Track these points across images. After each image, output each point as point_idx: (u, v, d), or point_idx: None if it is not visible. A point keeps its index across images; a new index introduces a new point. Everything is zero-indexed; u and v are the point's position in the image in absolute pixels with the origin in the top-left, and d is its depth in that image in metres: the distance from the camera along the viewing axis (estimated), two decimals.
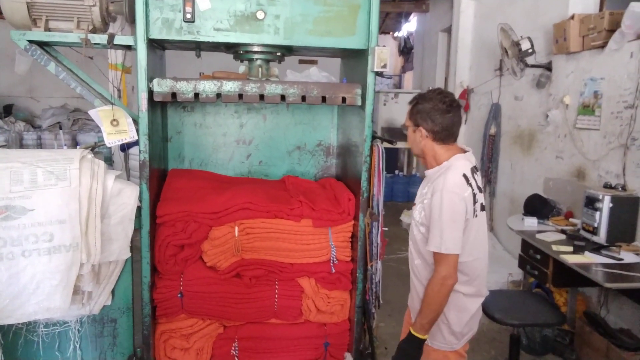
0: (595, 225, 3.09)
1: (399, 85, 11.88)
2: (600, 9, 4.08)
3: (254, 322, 2.88)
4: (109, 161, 6.18)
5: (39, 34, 2.50)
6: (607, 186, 3.31)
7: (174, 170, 3.22)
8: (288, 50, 2.94)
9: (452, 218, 1.92)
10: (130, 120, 2.62)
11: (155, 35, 2.55)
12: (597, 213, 3.08)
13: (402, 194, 8.27)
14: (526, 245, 3.40)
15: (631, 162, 3.38)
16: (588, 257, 2.90)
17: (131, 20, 2.58)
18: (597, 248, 3.01)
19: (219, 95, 2.64)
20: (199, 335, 2.85)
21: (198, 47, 2.93)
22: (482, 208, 2.07)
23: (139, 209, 2.59)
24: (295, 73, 3.16)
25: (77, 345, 2.68)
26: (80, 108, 9.05)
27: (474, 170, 2.06)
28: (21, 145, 7.37)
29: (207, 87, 2.62)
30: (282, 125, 3.40)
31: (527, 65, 4.48)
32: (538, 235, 3.32)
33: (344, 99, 2.75)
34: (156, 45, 2.84)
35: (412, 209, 2.21)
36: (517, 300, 2.96)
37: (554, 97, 4.36)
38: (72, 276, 2.30)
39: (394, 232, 5.57)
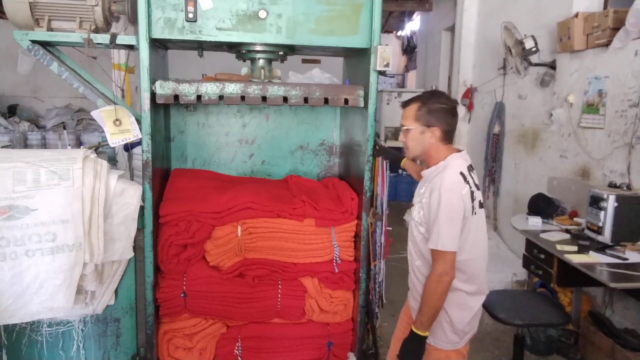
0: (600, 224, 3.07)
1: (402, 85, 11.86)
2: (605, 7, 4.06)
3: (257, 322, 2.88)
4: (113, 161, 6.19)
5: (41, 34, 2.51)
6: (612, 185, 3.29)
7: (176, 170, 3.22)
8: (290, 49, 2.93)
9: (449, 216, 1.93)
10: (133, 119, 2.62)
11: (157, 34, 2.55)
12: (602, 212, 3.05)
13: (406, 193, 8.25)
14: (530, 245, 3.38)
15: (636, 161, 3.36)
16: (593, 257, 2.89)
17: (133, 19, 2.58)
18: (601, 247, 2.99)
19: (221, 97, 2.64)
20: (202, 334, 2.85)
21: (200, 46, 2.93)
22: (481, 205, 2.08)
23: (141, 208, 2.59)
24: (297, 74, 3.15)
25: (81, 345, 2.69)
26: (84, 108, 9.08)
27: (470, 168, 2.07)
28: (25, 145, 7.39)
29: (210, 89, 2.62)
30: (285, 124, 3.40)
31: (530, 64, 4.46)
32: (542, 235, 3.30)
33: (346, 101, 2.74)
34: (159, 45, 2.84)
35: (410, 210, 2.22)
36: (521, 300, 2.94)
37: (558, 96, 4.34)
38: (75, 276, 2.30)
39: (398, 232, 5.55)
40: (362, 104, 2.76)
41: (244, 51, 2.87)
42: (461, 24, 6.40)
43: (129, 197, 2.51)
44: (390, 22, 10.90)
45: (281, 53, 2.92)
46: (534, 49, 4.30)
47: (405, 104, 2.14)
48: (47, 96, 9.27)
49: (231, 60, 3.24)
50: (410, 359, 2.03)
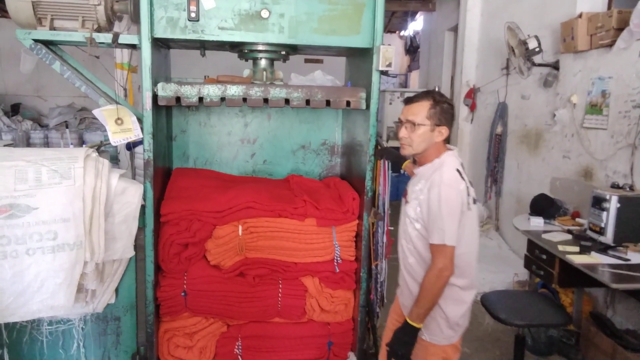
0: (602, 225, 3.06)
1: (404, 85, 11.85)
2: (609, 7, 4.04)
3: (257, 321, 2.88)
4: (115, 160, 6.21)
5: (44, 33, 2.51)
6: (615, 186, 3.28)
7: (178, 169, 3.22)
8: (293, 49, 2.93)
9: (450, 211, 1.98)
10: (134, 118, 2.62)
11: (159, 34, 2.55)
12: (604, 213, 3.04)
13: None
14: (532, 245, 3.37)
15: (639, 162, 3.35)
16: (594, 258, 2.88)
17: (136, 19, 2.58)
18: (603, 248, 2.98)
19: (223, 99, 2.64)
20: (203, 333, 2.85)
21: (203, 46, 2.93)
22: (474, 201, 2.12)
23: (142, 207, 2.60)
24: (299, 76, 3.15)
25: (81, 343, 2.70)
26: (87, 107, 9.10)
27: (462, 166, 2.13)
28: (28, 144, 7.41)
29: (212, 91, 2.62)
30: (287, 124, 3.40)
31: (534, 64, 4.45)
32: (544, 235, 3.29)
33: (348, 103, 2.75)
34: (161, 44, 2.84)
35: (404, 207, 2.24)
36: (522, 300, 2.93)
37: (561, 97, 4.33)
38: (76, 274, 2.31)
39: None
40: (364, 106, 2.76)
41: (246, 51, 2.87)
42: (464, 24, 6.39)
43: (130, 196, 2.51)
44: (393, 22, 10.89)
45: (283, 53, 2.92)
46: (537, 49, 4.28)
47: (412, 100, 2.13)
48: (50, 95, 9.30)
49: (234, 60, 3.24)
50: (402, 349, 2.05)
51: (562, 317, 2.72)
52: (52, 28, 2.55)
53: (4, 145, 6.02)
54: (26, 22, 2.53)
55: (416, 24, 10.61)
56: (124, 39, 2.56)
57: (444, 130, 2.09)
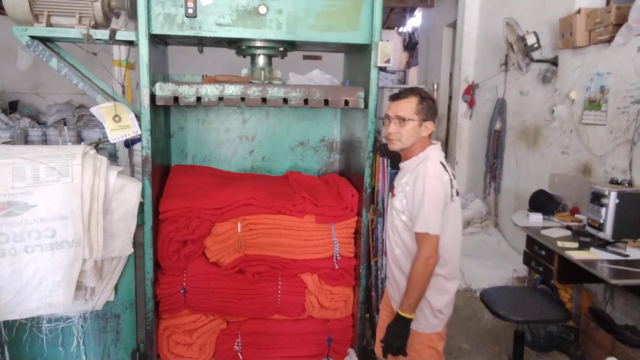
0: (601, 221, 3.06)
1: (403, 81, 11.82)
2: (607, 3, 4.03)
3: (257, 318, 2.88)
4: (114, 157, 6.19)
5: (40, 30, 2.50)
6: (614, 182, 3.28)
7: (176, 166, 3.21)
8: (291, 45, 2.92)
9: (434, 201, 2.06)
10: (132, 115, 2.62)
11: (157, 30, 2.54)
12: (603, 209, 3.04)
13: None
14: (531, 242, 3.37)
15: (638, 158, 3.35)
16: (594, 254, 2.88)
17: (133, 15, 2.57)
18: (602, 244, 2.98)
19: (221, 98, 2.64)
20: (202, 330, 2.85)
21: (200, 42, 2.92)
22: (457, 193, 2.20)
23: (141, 204, 2.59)
24: (297, 75, 3.14)
25: (81, 341, 2.70)
26: (85, 104, 9.06)
27: (445, 159, 2.22)
28: (26, 141, 7.39)
29: (209, 91, 2.61)
30: (285, 121, 3.39)
31: (532, 60, 4.44)
32: (543, 232, 3.29)
33: (346, 102, 2.75)
34: (158, 41, 2.83)
35: (390, 201, 2.31)
36: (521, 296, 2.94)
37: (559, 92, 4.32)
38: (75, 272, 2.30)
39: None
40: (362, 106, 2.76)
41: (244, 47, 2.86)
42: (463, 20, 6.38)
43: (128, 194, 2.50)
44: (392, 18, 10.85)
45: (281, 49, 2.91)
46: (535, 45, 4.27)
47: (398, 97, 2.21)
48: (48, 92, 9.26)
49: (232, 57, 3.23)
50: (397, 341, 2.11)
51: (561, 313, 2.72)
52: (49, 25, 2.53)
53: (2, 143, 6.01)
54: (23, 19, 2.51)
55: (415, 20, 10.58)
56: (121, 35, 2.54)
57: (429, 125, 2.18)
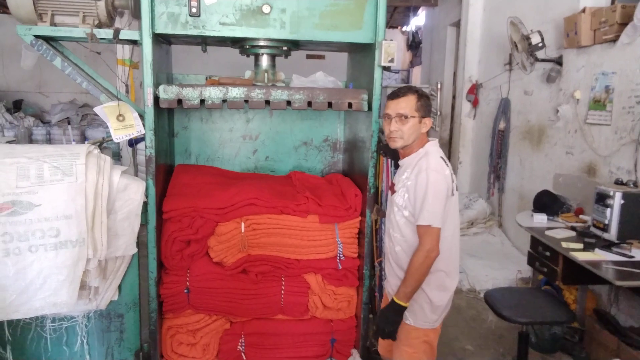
0: (606, 222, 3.05)
1: (406, 80, 11.80)
2: (612, 2, 4.01)
3: (260, 318, 2.88)
4: (117, 156, 6.20)
5: (44, 29, 2.50)
6: (619, 182, 3.26)
7: (180, 166, 3.21)
8: (294, 44, 2.92)
9: (436, 194, 2.09)
10: (136, 114, 2.62)
11: (160, 29, 2.54)
12: (608, 210, 3.03)
13: None
14: (535, 242, 3.36)
15: None
16: (598, 255, 2.86)
17: (137, 14, 2.57)
18: (607, 245, 2.97)
19: (224, 101, 2.64)
20: (206, 330, 2.85)
21: (204, 41, 2.91)
22: (456, 188, 2.24)
23: (145, 204, 2.59)
24: (301, 78, 3.13)
25: (85, 340, 2.70)
26: (89, 104, 9.08)
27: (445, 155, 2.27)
28: (30, 140, 7.41)
29: (213, 94, 2.61)
30: (289, 120, 3.38)
31: (537, 60, 4.42)
32: (547, 232, 3.28)
33: (350, 105, 2.75)
34: (162, 40, 2.83)
35: (390, 198, 2.34)
36: (525, 297, 2.93)
37: (564, 92, 4.30)
38: (79, 271, 2.30)
39: None
40: (365, 108, 2.76)
41: (247, 46, 2.85)
42: (467, 20, 6.36)
43: (132, 193, 2.50)
44: (395, 17, 10.83)
45: (285, 48, 2.90)
46: (540, 45, 4.26)
47: (398, 95, 2.24)
48: (52, 92, 9.28)
49: (235, 56, 3.22)
50: (389, 327, 2.16)
51: (565, 314, 2.71)
52: (53, 24, 2.53)
53: (6, 142, 6.03)
54: (27, 18, 2.51)
55: (418, 20, 10.56)
56: (124, 34, 2.54)
57: (428, 122, 2.23)
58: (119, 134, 2.61)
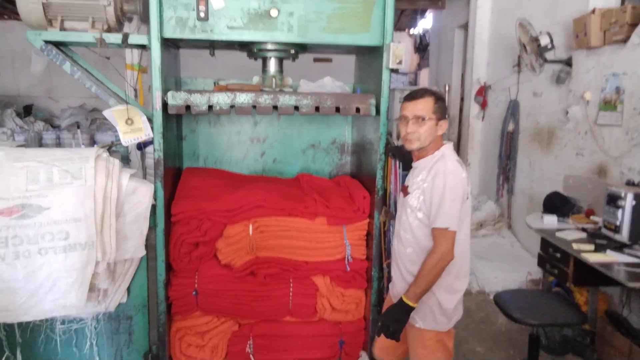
0: (618, 223, 3.01)
1: (414, 83, 11.78)
2: (622, 3, 3.98)
3: (268, 320, 2.88)
4: (126, 160, 6.24)
5: (54, 34, 2.53)
6: (630, 183, 3.23)
7: (188, 169, 3.22)
8: (302, 48, 2.92)
9: (453, 197, 2.08)
10: (144, 118, 2.63)
11: (169, 34, 2.56)
12: (619, 211, 2.99)
13: None
14: (546, 244, 3.33)
15: None
16: (610, 256, 2.84)
17: (145, 19, 2.59)
18: (619, 247, 2.94)
19: (232, 106, 2.65)
20: (214, 332, 2.85)
21: (212, 45, 2.93)
22: (470, 192, 2.25)
23: (153, 207, 2.60)
24: (309, 83, 3.14)
25: (94, 342, 2.71)
26: (98, 108, 9.15)
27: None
28: (40, 144, 7.48)
29: (221, 100, 2.62)
30: (296, 123, 3.39)
31: (546, 61, 4.39)
32: (558, 234, 3.25)
33: (358, 109, 2.75)
34: (170, 44, 2.84)
35: (404, 199, 2.31)
36: (536, 299, 2.90)
37: (574, 93, 4.27)
38: (88, 274, 2.32)
39: None
40: (373, 113, 2.75)
41: (255, 50, 2.86)
42: (475, 22, 6.34)
43: (140, 196, 2.52)
44: (403, 20, 10.82)
45: (293, 51, 2.91)
46: (549, 46, 4.23)
47: (415, 97, 2.22)
48: (62, 96, 9.37)
49: (243, 60, 3.23)
50: (394, 325, 2.11)
51: (576, 316, 2.68)
52: (63, 29, 2.56)
53: (17, 146, 6.08)
54: (37, 24, 2.54)
55: (426, 22, 10.55)
56: (133, 39, 2.56)
57: (444, 124, 2.22)
58: (128, 138, 2.63)
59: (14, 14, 8.18)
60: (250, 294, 2.78)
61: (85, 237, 2.28)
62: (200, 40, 2.64)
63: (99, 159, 2.38)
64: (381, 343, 2.46)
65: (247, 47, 2.90)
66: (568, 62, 4.34)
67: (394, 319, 2.13)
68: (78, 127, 8.42)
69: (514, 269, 4.55)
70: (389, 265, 2.86)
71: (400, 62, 2.66)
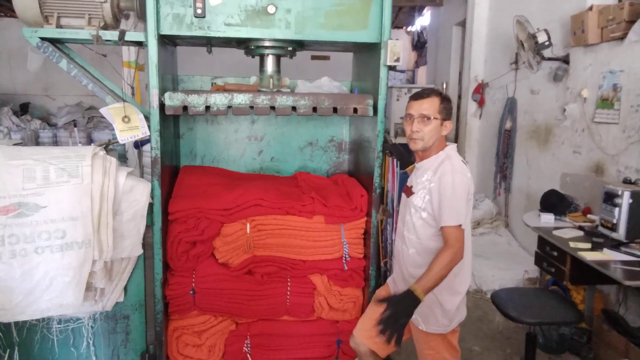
0: (614, 221, 3.02)
1: (412, 81, 11.78)
2: (620, 0, 3.98)
3: (266, 319, 2.87)
4: (123, 158, 6.22)
5: (50, 31, 2.51)
6: (627, 181, 3.23)
7: (186, 167, 3.22)
8: (299, 45, 2.91)
9: (461, 196, 2.10)
10: (141, 116, 2.62)
11: (165, 31, 2.54)
12: (616, 209, 3.00)
13: None
14: (543, 242, 3.33)
15: None
16: (607, 254, 2.84)
17: (142, 16, 2.57)
18: (616, 245, 2.94)
19: (230, 107, 2.64)
20: (212, 332, 2.85)
21: (209, 42, 2.91)
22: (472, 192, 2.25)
23: (150, 205, 2.59)
24: (306, 83, 3.14)
25: (91, 342, 2.70)
26: (95, 106, 9.14)
27: None
28: (37, 143, 7.46)
29: (218, 100, 2.61)
30: (294, 121, 3.38)
31: (543, 58, 4.39)
32: (555, 232, 3.25)
33: (355, 110, 2.74)
34: (167, 41, 2.83)
35: (408, 199, 2.31)
36: (533, 298, 2.90)
37: (571, 91, 4.27)
38: (85, 273, 2.30)
39: None
40: (371, 113, 2.75)
41: (252, 47, 2.85)
42: (472, 19, 6.34)
43: (138, 194, 2.51)
44: (400, 17, 10.81)
45: (290, 48, 2.90)
46: (547, 43, 4.23)
47: (421, 96, 2.23)
48: (59, 94, 9.35)
49: (240, 57, 3.22)
50: (403, 318, 1.95)
51: (573, 314, 2.69)
52: (59, 26, 2.54)
53: (13, 144, 6.06)
54: (33, 21, 2.52)
55: (423, 19, 10.54)
56: (130, 36, 2.55)
57: (449, 125, 2.25)
58: (125, 135, 2.62)
59: (10, 11, 8.15)
60: (248, 292, 2.77)
61: (82, 235, 2.27)
62: (198, 37, 2.63)
63: (96, 157, 2.37)
64: (362, 324, 2.47)
65: (245, 44, 2.88)
66: (565, 60, 4.34)
67: (401, 307, 1.97)
68: (75, 126, 8.41)
69: (511, 267, 4.56)
70: (386, 264, 2.86)
71: (397, 60, 2.66)
